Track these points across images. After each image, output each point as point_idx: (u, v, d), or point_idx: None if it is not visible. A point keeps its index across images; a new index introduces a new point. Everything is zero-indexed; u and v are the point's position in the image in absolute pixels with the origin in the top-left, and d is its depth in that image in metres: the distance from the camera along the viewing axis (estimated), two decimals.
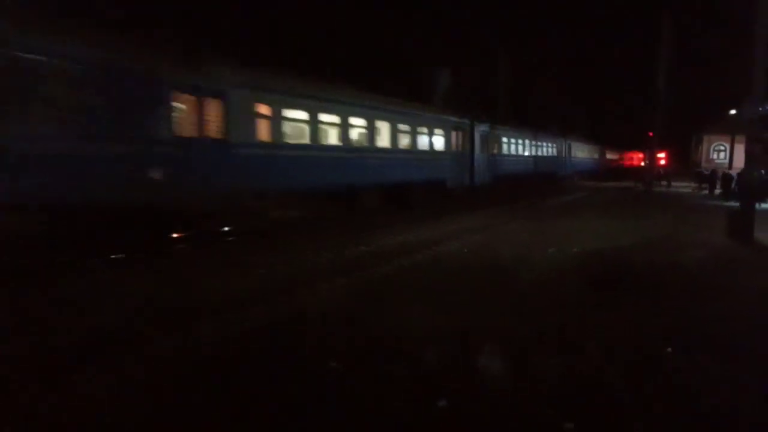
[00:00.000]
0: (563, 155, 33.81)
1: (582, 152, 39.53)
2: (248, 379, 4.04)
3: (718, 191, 24.26)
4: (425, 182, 17.02)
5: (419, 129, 16.71)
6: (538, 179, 27.40)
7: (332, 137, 13.18)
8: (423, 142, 17.03)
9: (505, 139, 23.51)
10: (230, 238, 10.67)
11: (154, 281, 7.20)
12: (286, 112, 11.47)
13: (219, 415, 3.51)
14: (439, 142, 18.08)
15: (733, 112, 25.37)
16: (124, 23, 15.00)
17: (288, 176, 11.46)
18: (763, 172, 18.76)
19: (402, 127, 15.75)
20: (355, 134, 13.90)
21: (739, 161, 19.86)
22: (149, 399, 3.73)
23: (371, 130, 14.26)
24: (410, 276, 7.55)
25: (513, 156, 24.72)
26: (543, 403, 3.65)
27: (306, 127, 12.10)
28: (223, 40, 22.26)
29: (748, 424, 3.48)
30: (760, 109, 10.97)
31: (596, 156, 44.32)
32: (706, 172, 27.89)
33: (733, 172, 23.28)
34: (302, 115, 11.96)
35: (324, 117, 12.50)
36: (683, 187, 29.82)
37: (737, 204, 11.81)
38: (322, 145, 12.62)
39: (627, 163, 53.11)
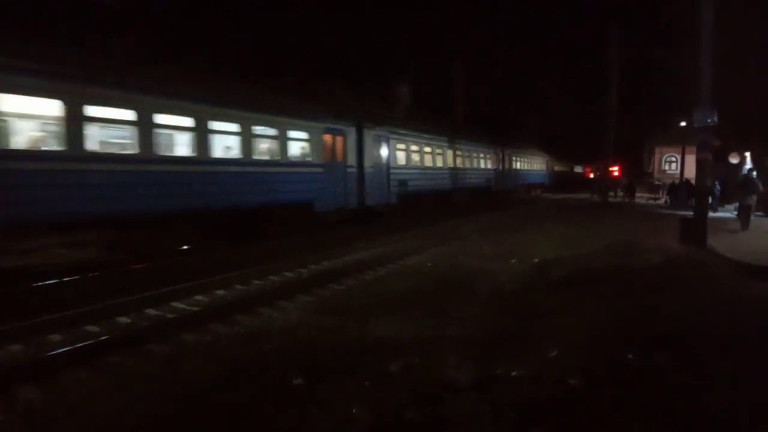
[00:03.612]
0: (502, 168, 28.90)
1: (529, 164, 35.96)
2: None
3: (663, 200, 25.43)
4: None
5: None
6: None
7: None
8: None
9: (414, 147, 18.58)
10: None
11: None
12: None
13: None
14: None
15: (683, 123, 26.33)
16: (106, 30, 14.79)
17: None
18: (717, 183, 19.59)
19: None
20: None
21: (690, 171, 20.57)
22: None
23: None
24: None
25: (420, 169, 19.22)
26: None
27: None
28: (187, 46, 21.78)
29: None
30: (708, 120, 11.16)
31: (546, 168, 42.52)
32: (658, 183, 28.94)
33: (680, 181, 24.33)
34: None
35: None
36: (638, 197, 30.44)
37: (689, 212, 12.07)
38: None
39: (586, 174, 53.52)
